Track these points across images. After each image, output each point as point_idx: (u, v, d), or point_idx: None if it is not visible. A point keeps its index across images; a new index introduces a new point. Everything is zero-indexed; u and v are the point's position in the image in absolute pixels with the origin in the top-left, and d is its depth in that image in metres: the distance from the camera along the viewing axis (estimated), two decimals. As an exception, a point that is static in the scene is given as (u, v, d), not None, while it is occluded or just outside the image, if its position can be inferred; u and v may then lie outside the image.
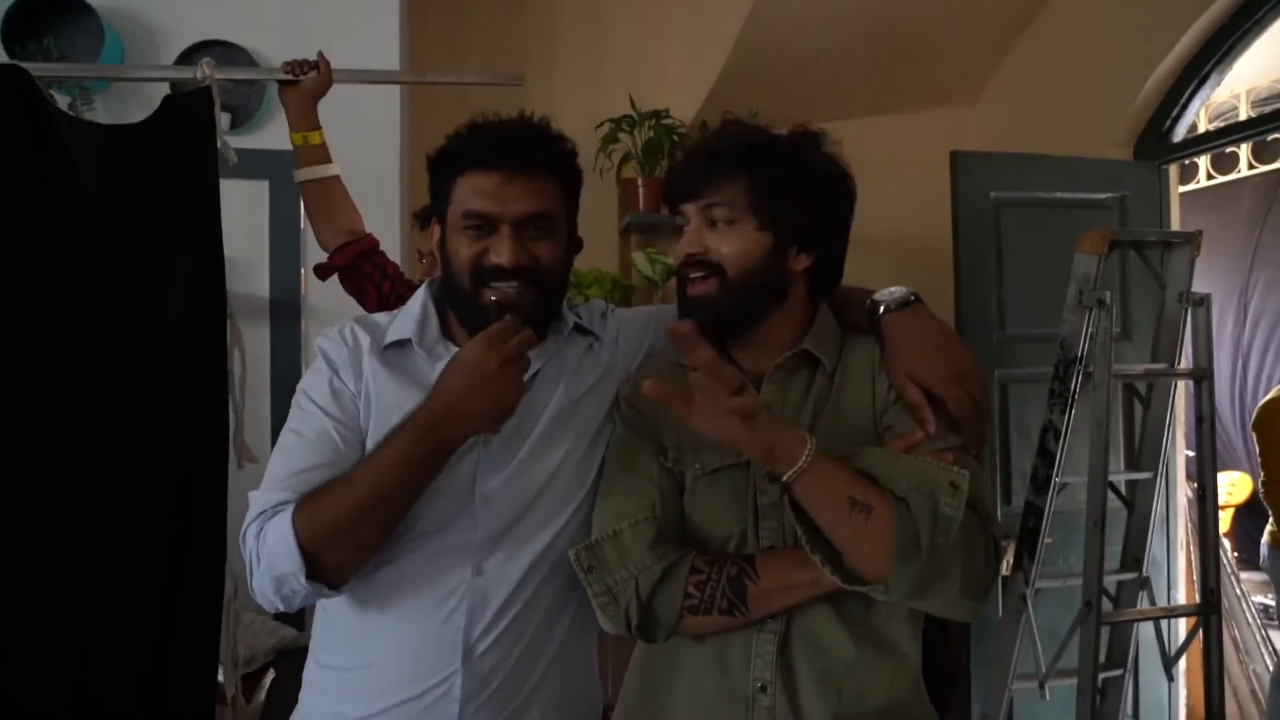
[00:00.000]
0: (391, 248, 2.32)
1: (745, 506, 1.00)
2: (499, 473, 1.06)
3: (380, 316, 1.15)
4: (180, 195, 1.60)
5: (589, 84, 3.22)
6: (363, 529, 0.96)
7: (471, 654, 1.03)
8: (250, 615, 2.01)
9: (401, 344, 1.10)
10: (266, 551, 0.96)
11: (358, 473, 0.96)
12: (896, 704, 1.00)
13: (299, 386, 1.10)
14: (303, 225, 2.28)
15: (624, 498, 1.03)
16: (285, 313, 2.27)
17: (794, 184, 1.01)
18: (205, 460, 1.52)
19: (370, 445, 1.04)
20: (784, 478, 0.88)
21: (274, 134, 2.30)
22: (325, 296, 2.27)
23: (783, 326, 1.05)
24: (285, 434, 1.07)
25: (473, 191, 1.05)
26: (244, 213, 2.23)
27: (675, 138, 3.11)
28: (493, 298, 1.04)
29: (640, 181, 3.16)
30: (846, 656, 0.98)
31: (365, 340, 1.10)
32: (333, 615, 1.09)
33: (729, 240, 1.00)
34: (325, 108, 2.28)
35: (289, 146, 2.27)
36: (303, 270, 2.28)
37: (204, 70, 1.67)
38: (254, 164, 2.24)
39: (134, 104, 2.23)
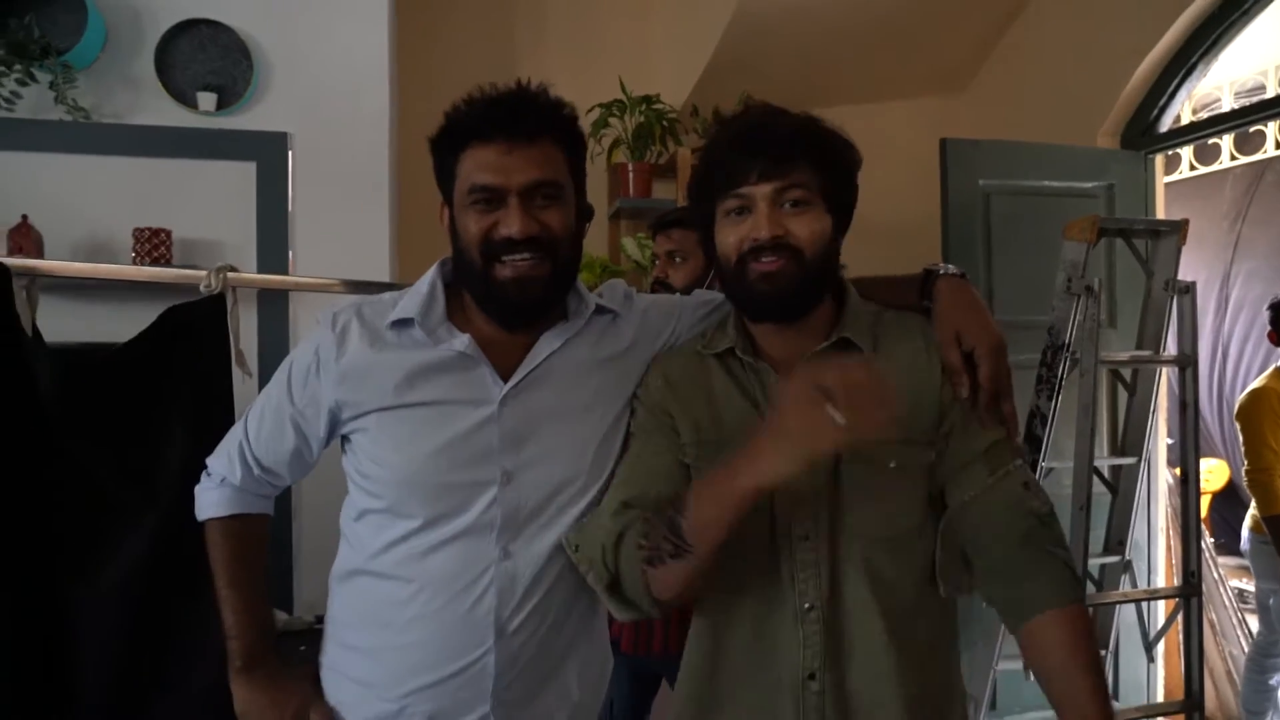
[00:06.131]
0: (379, 242, 2.30)
1: (765, 503, 0.99)
2: (519, 451, 1.06)
3: (388, 296, 1.14)
4: (168, 422, 1.51)
5: (579, 68, 3.20)
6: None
7: (504, 633, 1.05)
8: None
9: (405, 322, 1.09)
10: (198, 500, 1.21)
11: (223, 588, 1.16)
12: (934, 683, 1.03)
13: (291, 354, 1.16)
14: (290, 206, 2.26)
15: (620, 487, 1.06)
16: (272, 295, 2.25)
17: (848, 169, 1.04)
18: None
19: (346, 413, 1.09)
20: None
21: (262, 115, 2.27)
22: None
23: (824, 310, 1.06)
24: (263, 394, 1.18)
25: (476, 166, 1.03)
26: (231, 195, 2.20)
27: (665, 123, 3.10)
28: (507, 274, 1.03)
29: (630, 166, 3.15)
30: (884, 638, 0.99)
31: (355, 327, 1.10)
32: (358, 597, 1.11)
33: (804, 221, 1.00)
34: (316, 104, 2.27)
35: (278, 128, 2.26)
36: (290, 252, 2.26)
37: (210, 281, 1.53)
38: (241, 145, 2.22)
39: (119, 85, 2.20)
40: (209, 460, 1.22)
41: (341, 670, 1.13)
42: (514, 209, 1.02)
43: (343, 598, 1.14)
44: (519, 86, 1.07)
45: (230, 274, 1.60)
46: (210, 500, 1.19)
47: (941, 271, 1.11)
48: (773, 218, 0.99)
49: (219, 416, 1.54)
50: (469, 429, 1.05)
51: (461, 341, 1.07)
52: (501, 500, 1.05)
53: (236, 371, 1.62)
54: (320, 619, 1.83)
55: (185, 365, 1.55)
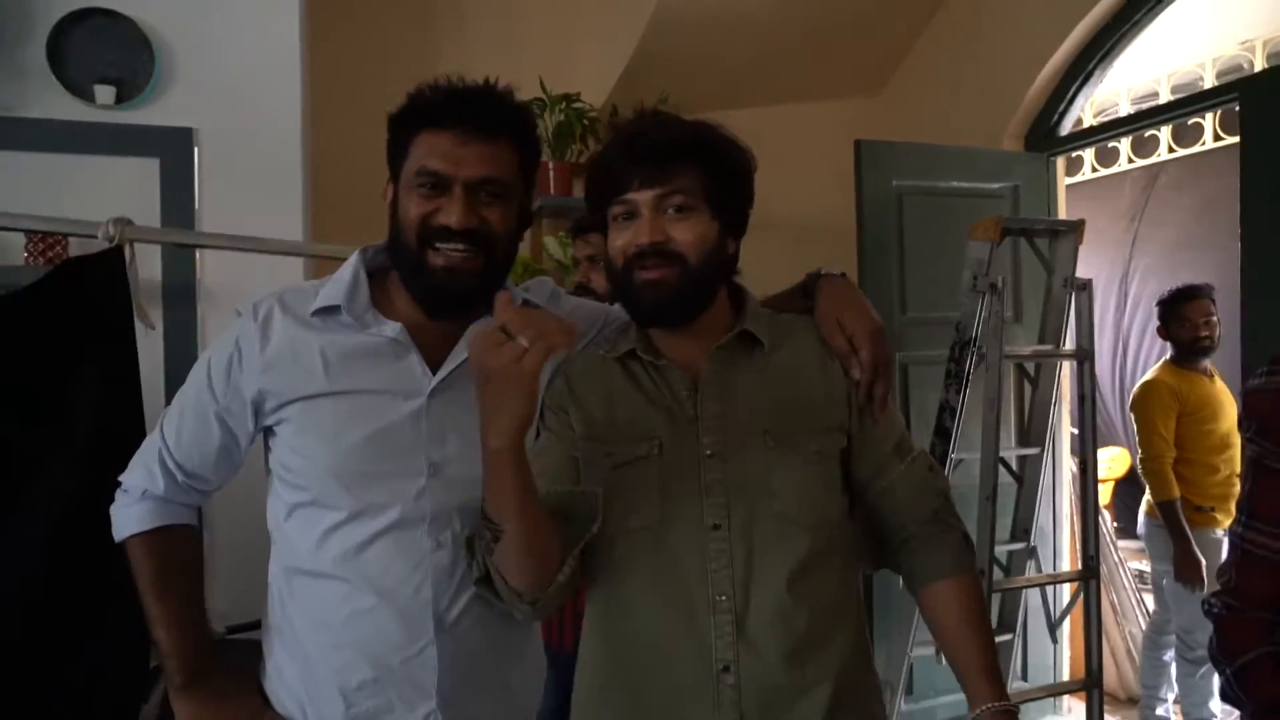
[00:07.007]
0: (294, 236, 2.24)
1: (655, 496, 1.02)
2: (445, 444, 1.06)
3: (310, 284, 1.13)
4: (74, 371, 1.45)
5: (499, 67, 3.13)
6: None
7: (443, 624, 1.05)
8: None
9: (330, 310, 1.08)
10: (115, 519, 1.14)
11: (153, 606, 1.10)
12: (852, 669, 1.05)
13: (207, 352, 1.13)
14: (196, 205, 2.18)
15: None
16: (179, 297, 2.17)
17: (736, 174, 1.06)
18: None
19: (269, 403, 1.07)
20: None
21: (166, 109, 2.19)
22: (221, 278, 2.18)
23: (717, 311, 1.09)
24: (179, 397, 1.13)
25: (428, 150, 1.04)
26: (133, 192, 2.10)
27: (586, 122, 3.10)
28: (440, 263, 1.03)
29: (551, 165, 3.14)
30: (802, 627, 1.00)
31: (278, 314, 1.09)
32: (294, 600, 1.10)
33: (686, 227, 1.02)
34: (223, 98, 2.19)
35: (182, 123, 2.17)
36: (197, 252, 2.18)
37: (108, 230, 1.49)
38: (143, 141, 2.13)
39: (7, 75, 2.09)
40: (122, 478, 1.16)
41: (283, 674, 1.12)
42: (457, 199, 1.03)
43: (279, 602, 1.12)
44: (486, 83, 1.08)
45: (128, 228, 1.55)
46: (130, 516, 1.13)
47: (823, 273, 1.17)
48: (655, 224, 1.01)
49: (128, 364, 1.50)
50: (398, 421, 1.05)
51: (392, 328, 1.07)
52: (430, 492, 1.05)
53: (139, 329, 1.56)
54: (232, 629, 1.78)
55: (87, 312, 1.50)
